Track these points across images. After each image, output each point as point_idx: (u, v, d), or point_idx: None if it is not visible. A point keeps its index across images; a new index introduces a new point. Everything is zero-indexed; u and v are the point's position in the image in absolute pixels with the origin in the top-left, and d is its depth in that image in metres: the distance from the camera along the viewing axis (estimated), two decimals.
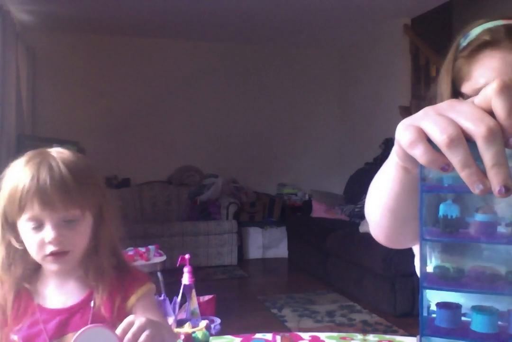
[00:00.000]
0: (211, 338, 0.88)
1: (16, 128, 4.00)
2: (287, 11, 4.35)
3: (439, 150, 0.40)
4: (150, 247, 2.97)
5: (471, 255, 0.52)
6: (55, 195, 0.82)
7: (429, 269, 0.47)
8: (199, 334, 0.81)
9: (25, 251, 0.86)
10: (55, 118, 4.83)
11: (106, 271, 0.89)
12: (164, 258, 2.96)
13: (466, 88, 0.82)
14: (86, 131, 4.72)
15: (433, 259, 0.48)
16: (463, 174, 0.39)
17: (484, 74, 0.79)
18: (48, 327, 0.85)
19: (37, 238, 0.83)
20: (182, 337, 0.84)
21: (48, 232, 0.82)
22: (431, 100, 0.91)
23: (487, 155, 0.38)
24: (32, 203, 0.82)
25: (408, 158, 0.47)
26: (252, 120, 5.56)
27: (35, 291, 0.88)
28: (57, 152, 0.88)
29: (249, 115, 5.55)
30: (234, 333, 0.95)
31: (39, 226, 0.83)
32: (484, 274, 0.47)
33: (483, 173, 0.38)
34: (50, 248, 0.83)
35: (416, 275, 0.98)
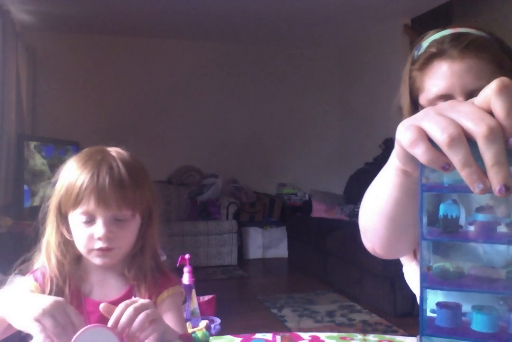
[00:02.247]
0: (211, 338, 0.88)
1: (16, 128, 4.00)
2: (287, 11, 4.35)
3: (440, 150, 0.40)
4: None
5: (471, 255, 0.52)
6: (112, 194, 0.85)
7: (429, 269, 0.48)
8: (199, 334, 0.81)
9: (73, 243, 0.89)
10: (55, 118, 4.83)
11: (149, 272, 0.92)
12: (164, 258, 2.96)
13: (421, 99, 0.86)
14: (86, 132, 4.71)
15: (433, 259, 0.48)
16: (463, 173, 0.39)
17: (434, 83, 0.83)
18: (91, 318, 0.87)
19: (87, 232, 0.86)
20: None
21: (99, 228, 0.85)
22: (399, 110, 0.94)
23: (488, 154, 0.38)
24: (89, 199, 0.84)
25: (409, 159, 0.47)
26: (252, 120, 5.56)
27: (82, 280, 0.91)
28: (116, 152, 0.92)
29: (249, 115, 5.55)
30: (234, 333, 0.95)
31: (90, 221, 0.86)
32: (484, 274, 0.47)
33: (483, 172, 0.38)
34: (99, 244, 0.86)
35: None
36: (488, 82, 0.41)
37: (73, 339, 0.65)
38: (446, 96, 0.82)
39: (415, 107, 0.89)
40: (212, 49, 5.41)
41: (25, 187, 3.68)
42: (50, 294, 0.87)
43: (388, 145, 4.53)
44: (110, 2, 4.09)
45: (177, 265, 2.28)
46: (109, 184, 0.85)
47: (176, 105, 5.31)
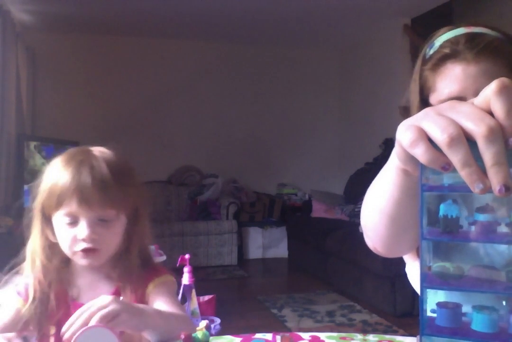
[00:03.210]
0: (211, 338, 0.88)
1: (16, 128, 4.00)
2: (287, 11, 4.35)
3: (440, 150, 0.40)
4: (150, 247, 2.96)
5: (471, 255, 0.52)
6: (94, 194, 0.83)
7: (429, 269, 0.48)
8: (199, 334, 0.81)
9: (59, 246, 0.88)
10: (55, 118, 4.83)
11: (134, 271, 0.90)
12: (164, 258, 2.96)
13: (432, 99, 0.85)
14: (86, 131, 4.71)
15: (433, 258, 0.48)
16: (463, 173, 0.39)
17: (447, 86, 0.82)
18: None
19: (71, 234, 0.85)
20: (182, 337, 0.84)
21: (82, 229, 0.84)
22: (405, 108, 0.92)
23: (488, 154, 0.38)
24: (71, 199, 0.83)
25: (409, 159, 0.47)
26: (252, 120, 5.56)
27: (70, 284, 0.90)
28: (99, 152, 0.90)
29: (249, 115, 5.55)
30: (234, 333, 0.95)
31: (74, 222, 0.85)
32: (484, 274, 0.47)
33: (483, 172, 0.39)
34: (82, 245, 0.85)
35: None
36: None
37: (73, 339, 0.65)
38: (458, 99, 0.79)
39: (425, 105, 0.87)
40: (212, 49, 5.42)
41: (25, 187, 3.68)
42: (34, 301, 0.86)
43: (388, 145, 4.53)
44: (110, 2, 4.09)
45: (177, 265, 2.28)
46: (91, 184, 0.83)
47: (176, 105, 5.31)
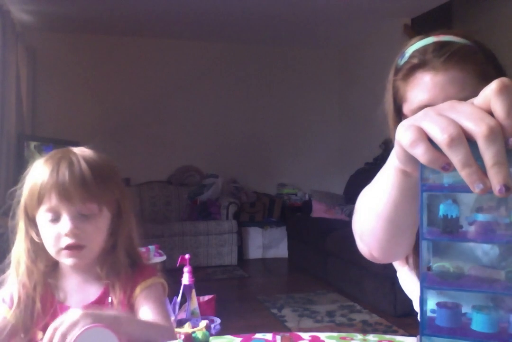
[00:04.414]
0: (211, 338, 0.88)
1: (16, 128, 4.00)
2: (287, 11, 4.35)
3: (440, 150, 0.40)
4: (150, 247, 2.97)
5: (470, 255, 0.52)
6: (73, 188, 0.83)
7: (429, 269, 0.48)
8: (199, 334, 0.81)
9: (45, 248, 0.88)
10: (55, 118, 4.83)
11: (122, 269, 0.89)
12: (164, 258, 2.96)
13: (405, 109, 0.86)
14: (86, 131, 4.71)
15: (432, 259, 0.48)
16: (464, 173, 0.39)
17: (417, 95, 0.82)
18: None
19: (54, 231, 0.85)
20: (182, 337, 0.84)
21: (65, 224, 0.84)
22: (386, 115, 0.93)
23: (488, 154, 0.38)
24: (50, 195, 0.83)
25: (409, 159, 0.47)
26: (252, 120, 5.56)
27: (56, 287, 0.89)
28: (79, 150, 0.91)
29: (249, 115, 5.55)
30: (234, 333, 0.94)
31: (56, 219, 0.85)
32: (484, 274, 0.47)
33: (483, 172, 0.38)
34: (66, 241, 0.84)
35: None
36: (472, 93, 0.41)
37: (73, 339, 0.65)
38: None
39: (399, 115, 0.88)
40: (212, 49, 5.41)
41: None
42: (19, 305, 0.85)
43: (388, 145, 4.53)
44: (110, 2, 4.09)
45: (177, 265, 2.28)
46: (70, 179, 0.83)
47: (176, 105, 5.31)
